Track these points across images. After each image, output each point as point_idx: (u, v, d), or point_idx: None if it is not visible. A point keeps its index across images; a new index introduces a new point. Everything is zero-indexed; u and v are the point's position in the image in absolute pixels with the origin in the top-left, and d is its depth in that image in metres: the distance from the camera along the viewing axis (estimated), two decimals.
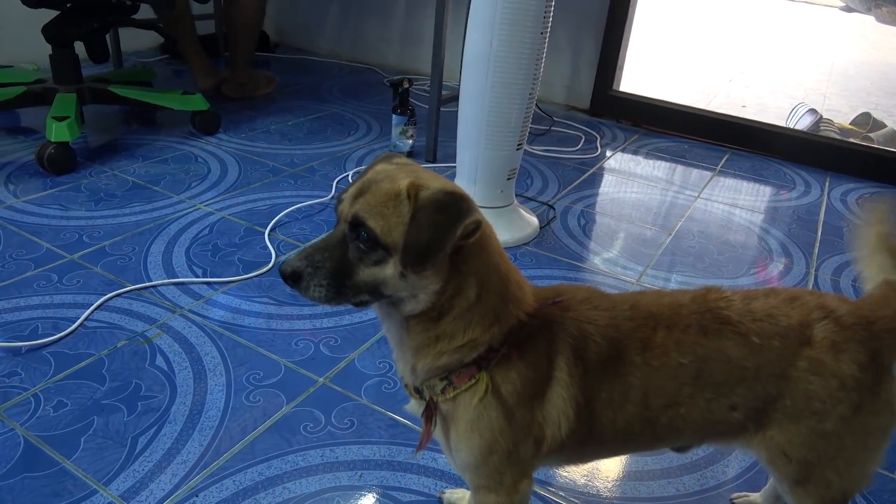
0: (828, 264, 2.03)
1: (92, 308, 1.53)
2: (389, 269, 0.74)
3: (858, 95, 4.51)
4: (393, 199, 0.73)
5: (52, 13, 2.32)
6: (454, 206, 0.72)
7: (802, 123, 3.07)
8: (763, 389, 0.83)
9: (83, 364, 1.38)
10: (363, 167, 0.87)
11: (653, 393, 0.84)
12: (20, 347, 1.41)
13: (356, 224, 0.74)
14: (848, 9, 8.47)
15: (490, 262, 0.78)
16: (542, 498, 1.17)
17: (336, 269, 0.75)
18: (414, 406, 0.88)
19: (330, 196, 2.17)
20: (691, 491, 1.21)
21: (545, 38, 1.79)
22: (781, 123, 3.08)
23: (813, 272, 1.98)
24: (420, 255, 0.71)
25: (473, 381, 0.81)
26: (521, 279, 0.83)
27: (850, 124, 3.23)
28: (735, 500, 1.19)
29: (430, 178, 0.76)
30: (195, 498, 1.11)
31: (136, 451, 1.19)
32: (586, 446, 0.90)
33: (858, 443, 0.85)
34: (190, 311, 1.57)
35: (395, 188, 0.73)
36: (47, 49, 2.34)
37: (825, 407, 0.82)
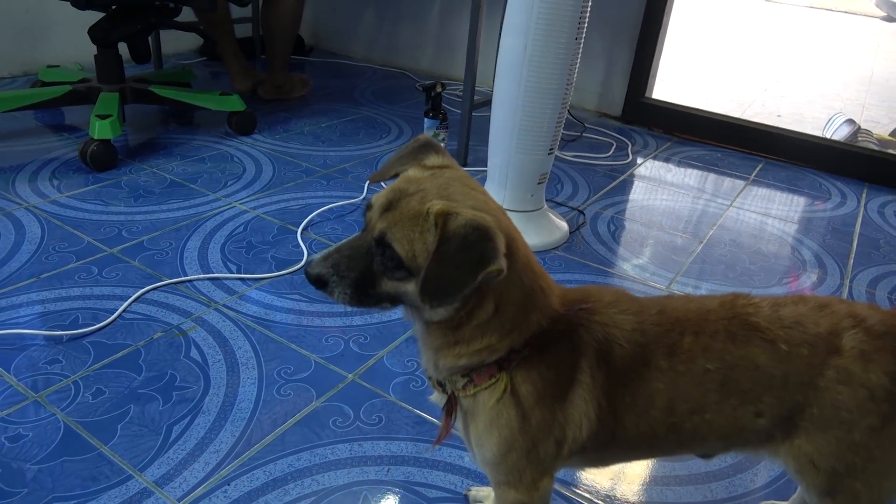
0: (863, 276, 2.00)
1: (130, 300, 1.58)
2: (411, 286, 0.75)
3: None
4: (420, 224, 0.73)
5: (98, 15, 2.40)
6: (479, 247, 0.71)
7: (840, 134, 3.03)
8: (790, 398, 0.83)
9: (121, 354, 1.42)
10: (399, 149, 0.87)
11: (678, 398, 0.84)
12: (62, 336, 1.46)
13: (382, 242, 0.75)
14: (889, 18, 8.29)
15: (512, 279, 0.77)
16: (566, 499, 1.18)
17: (360, 279, 0.77)
18: (437, 397, 0.90)
19: (361, 197, 2.20)
20: (718, 498, 1.21)
21: (579, 44, 1.80)
22: (818, 133, 3.04)
23: (847, 283, 1.95)
24: (438, 293, 0.72)
25: (494, 380, 0.82)
26: (547, 285, 0.83)
27: (889, 135, 3.17)
28: None
29: (462, 197, 0.76)
30: (227, 486, 1.14)
31: (171, 439, 1.22)
32: (609, 449, 0.90)
33: (888, 454, 0.84)
34: (224, 305, 1.61)
35: (424, 210, 0.73)
36: (92, 50, 2.41)
37: (853, 417, 0.81)
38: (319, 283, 0.79)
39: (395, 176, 0.83)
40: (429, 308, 0.76)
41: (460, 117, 2.50)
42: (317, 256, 0.80)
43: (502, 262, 0.71)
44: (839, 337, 0.82)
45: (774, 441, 0.86)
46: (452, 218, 0.72)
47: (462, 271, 0.71)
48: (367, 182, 2.30)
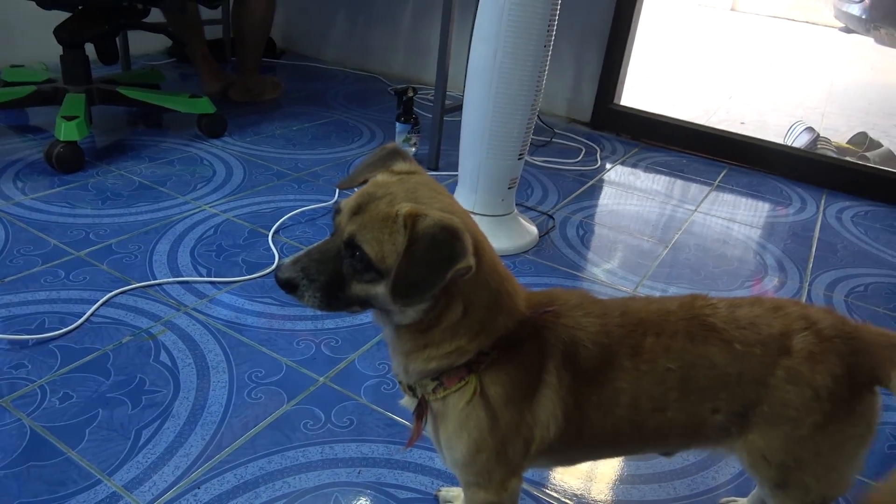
0: (821, 280, 2.06)
1: (98, 304, 1.57)
2: (381, 288, 0.77)
3: (857, 115, 4.55)
4: (389, 225, 0.75)
5: (65, 15, 2.37)
6: (448, 245, 0.73)
7: (800, 141, 3.12)
8: (744, 395, 0.86)
9: (89, 358, 1.41)
10: (367, 157, 0.89)
11: (641, 397, 0.87)
12: (27, 340, 1.44)
13: (351, 245, 0.77)
14: (847, 30, 8.53)
15: (480, 281, 0.79)
16: (535, 499, 1.20)
17: (329, 283, 0.78)
18: (407, 401, 0.92)
19: (333, 200, 2.20)
20: (682, 495, 1.24)
21: (549, 50, 1.83)
22: (780, 141, 3.13)
23: (807, 287, 2.01)
24: (409, 291, 0.74)
25: (463, 382, 0.84)
26: (513, 288, 0.85)
27: (846, 143, 3.27)
28: None
29: (430, 200, 0.78)
30: (197, 490, 1.14)
31: (140, 443, 1.22)
32: (575, 448, 0.93)
33: (835, 450, 0.88)
34: (194, 309, 1.60)
35: (393, 213, 0.75)
36: (58, 49, 2.37)
37: (799, 415, 0.85)
38: (289, 287, 0.80)
39: (364, 182, 0.85)
40: (399, 309, 0.78)
41: (432, 122, 2.52)
42: (286, 260, 0.81)
43: (471, 260, 0.73)
44: (790, 338, 0.85)
45: (730, 436, 0.90)
46: (421, 219, 0.73)
47: (432, 269, 0.73)
48: (337, 188, 2.30)
